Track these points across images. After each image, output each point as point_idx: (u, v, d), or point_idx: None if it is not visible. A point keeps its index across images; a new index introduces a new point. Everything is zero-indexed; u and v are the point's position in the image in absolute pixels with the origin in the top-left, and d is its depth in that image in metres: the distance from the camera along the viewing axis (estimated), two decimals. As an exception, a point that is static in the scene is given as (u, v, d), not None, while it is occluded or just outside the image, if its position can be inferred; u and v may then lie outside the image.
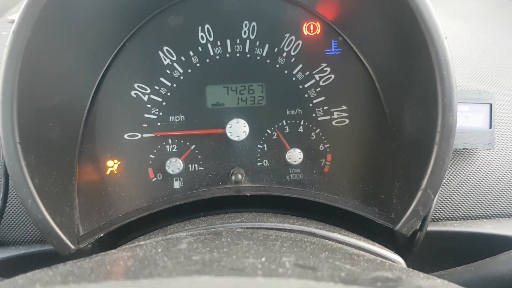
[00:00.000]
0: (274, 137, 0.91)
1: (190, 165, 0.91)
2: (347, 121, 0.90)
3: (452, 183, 0.89)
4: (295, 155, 0.90)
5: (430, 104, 0.66)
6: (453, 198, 0.88)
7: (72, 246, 0.68)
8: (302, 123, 0.91)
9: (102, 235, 0.73)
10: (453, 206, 0.88)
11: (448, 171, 0.89)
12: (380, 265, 0.47)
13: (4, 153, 0.65)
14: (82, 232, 0.74)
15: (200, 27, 0.89)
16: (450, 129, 0.64)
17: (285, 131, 0.91)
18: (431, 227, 0.82)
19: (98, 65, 0.85)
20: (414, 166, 0.70)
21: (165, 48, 0.89)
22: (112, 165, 0.89)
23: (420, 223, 0.76)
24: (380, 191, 0.81)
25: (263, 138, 0.91)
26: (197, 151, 0.91)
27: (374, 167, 0.86)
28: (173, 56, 0.89)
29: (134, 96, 0.89)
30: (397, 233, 0.71)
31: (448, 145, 0.65)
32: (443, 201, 0.88)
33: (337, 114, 0.90)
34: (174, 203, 0.79)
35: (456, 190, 0.88)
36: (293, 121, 0.91)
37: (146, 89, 0.89)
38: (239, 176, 0.85)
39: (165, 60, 0.89)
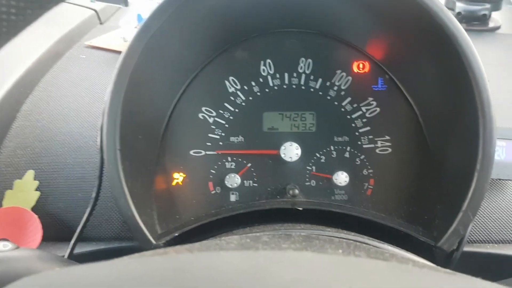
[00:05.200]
0: (322, 161, 1.02)
1: (245, 181, 1.02)
2: (390, 149, 1.00)
3: (486, 209, 0.97)
4: (341, 178, 1.00)
5: (473, 137, 0.76)
6: (487, 223, 0.96)
7: (154, 242, 0.78)
8: (348, 149, 1.01)
9: (176, 234, 0.83)
10: (486, 231, 0.96)
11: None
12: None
13: (106, 158, 0.77)
14: (159, 231, 0.84)
15: (262, 61, 1.02)
16: (489, 158, 0.74)
17: (332, 156, 1.01)
18: (466, 248, 0.90)
19: (176, 90, 0.98)
20: (456, 191, 0.80)
21: (231, 78, 1.02)
22: (178, 177, 1.00)
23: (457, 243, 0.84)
24: (424, 212, 0.89)
25: (312, 160, 1.02)
26: (252, 169, 1.02)
27: (416, 191, 0.95)
28: (237, 85, 1.02)
29: (202, 118, 1.01)
30: (437, 250, 0.80)
31: (488, 173, 0.74)
32: (478, 226, 0.96)
33: (381, 143, 1.01)
34: (238, 210, 0.89)
35: (490, 216, 0.97)
36: (340, 147, 1.01)
37: (212, 113, 1.01)
38: (296, 190, 0.95)
39: (230, 88, 1.02)
